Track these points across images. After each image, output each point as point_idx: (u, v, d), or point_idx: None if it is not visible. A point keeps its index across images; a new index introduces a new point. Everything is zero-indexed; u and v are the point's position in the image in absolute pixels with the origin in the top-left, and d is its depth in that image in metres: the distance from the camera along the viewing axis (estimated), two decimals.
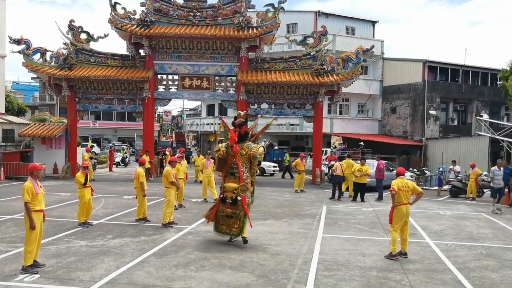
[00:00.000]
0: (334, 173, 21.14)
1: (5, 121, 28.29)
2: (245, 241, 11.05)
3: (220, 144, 11.82)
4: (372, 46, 27.45)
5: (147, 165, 23.80)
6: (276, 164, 35.46)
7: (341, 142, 37.47)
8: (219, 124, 12.63)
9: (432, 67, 40.88)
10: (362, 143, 36.50)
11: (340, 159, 23.45)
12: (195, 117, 63.37)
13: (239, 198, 10.92)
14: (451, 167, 25.24)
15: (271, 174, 34.13)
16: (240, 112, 11.76)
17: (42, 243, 9.24)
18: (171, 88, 28.19)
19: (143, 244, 11.04)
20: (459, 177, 24.52)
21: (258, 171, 12.49)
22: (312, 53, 27.45)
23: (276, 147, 40.20)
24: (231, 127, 11.72)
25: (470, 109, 42.38)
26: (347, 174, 20.94)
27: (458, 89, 41.75)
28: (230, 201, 10.99)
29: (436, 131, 40.08)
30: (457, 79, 42.25)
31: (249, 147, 11.07)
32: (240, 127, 11.21)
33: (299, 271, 9.10)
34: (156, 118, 46.68)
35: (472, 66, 42.99)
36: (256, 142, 11.84)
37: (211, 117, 51.19)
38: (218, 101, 35.85)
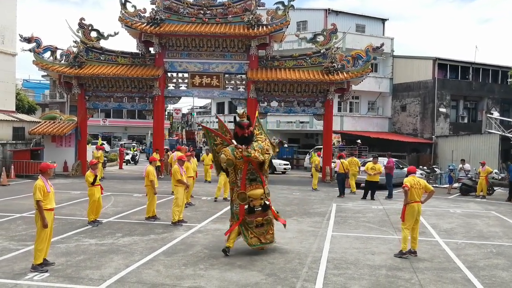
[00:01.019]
0: (337, 171, 21.46)
1: (16, 119, 28.45)
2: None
3: (225, 149, 10.29)
4: (382, 44, 27.35)
5: (158, 163, 23.98)
6: (287, 162, 35.17)
7: (339, 139, 37.30)
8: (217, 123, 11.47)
9: (442, 65, 40.62)
10: (359, 140, 36.56)
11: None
12: (205, 115, 63.39)
13: (267, 202, 10.33)
14: (461, 166, 25.09)
15: (283, 172, 33.82)
16: (240, 112, 10.77)
17: (52, 242, 9.29)
18: (181, 86, 28.23)
19: (152, 242, 11.07)
20: (469, 175, 24.38)
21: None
22: (322, 51, 27.36)
23: (285, 145, 40.15)
24: (230, 129, 11.17)
25: (481, 106, 42.07)
26: (352, 171, 21.69)
27: (468, 87, 41.46)
28: (260, 208, 10.18)
29: (446, 128, 39.85)
30: (467, 77, 41.96)
31: (260, 147, 10.19)
32: (248, 128, 10.28)
33: (308, 269, 9.09)
34: (166, 116, 46.78)
35: (483, 63, 42.66)
36: (255, 139, 10.60)
37: (221, 115, 51.19)
38: (228, 99, 35.85)
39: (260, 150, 10.07)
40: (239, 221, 10.12)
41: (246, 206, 10.13)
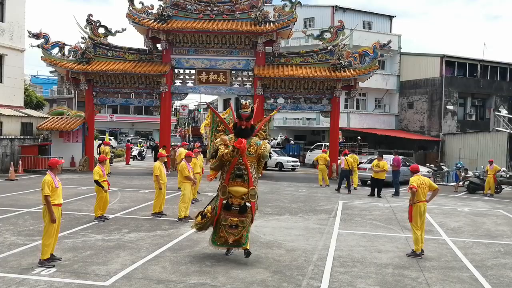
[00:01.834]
0: (342, 168, 21.69)
1: (24, 115, 28.57)
2: (247, 253, 9.37)
3: (219, 141, 9.60)
4: (389, 41, 27.28)
5: (165, 159, 24.14)
6: (297, 159, 34.61)
7: (340, 136, 37.20)
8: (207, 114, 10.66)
9: (450, 62, 40.42)
10: (359, 137, 36.53)
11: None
12: None
13: (248, 204, 9.22)
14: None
15: (292, 169, 33.11)
16: (245, 101, 9.70)
17: (59, 237, 9.33)
18: (188, 83, 28.25)
19: (158, 238, 11.09)
20: (476, 173, 24.24)
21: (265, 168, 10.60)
22: (329, 48, 27.31)
23: (292, 142, 40.11)
24: (227, 121, 10.57)
25: (489, 104, 41.84)
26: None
27: (476, 84, 41.24)
28: (238, 208, 9.16)
29: (454, 126, 39.68)
30: (475, 74, 41.73)
31: (257, 144, 9.36)
32: (247, 120, 9.43)
33: (314, 267, 9.08)
34: (173, 112, 46.78)
35: (491, 61, 42.39)
36: (262, 137, 10.16)
37: (226, 112, 51.11)
38: (235, 96, 35.77)
39: (255, 147, 9.31)
40: (216, 216, 9.36)
41: (224, 201, 9.29)
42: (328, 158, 24.35)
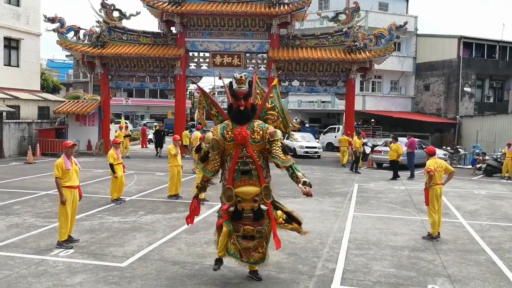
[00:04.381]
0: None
1: (41, 99, 28.81)
2: (258, 277, 7.46)
3: (210, 130, 7.56)
4: (406, 22, 26.89)
5: (185, 142, 24.51)
6: (316, 145, 30.07)
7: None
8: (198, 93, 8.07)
9: (467, 43, 39.82)
10: (373, 120, 36.27)
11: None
12: (226, 94, 63.52)
13: (263, 207, 7.06)
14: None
15: (318, 156, 29.42)
16: (239, 74, 7.29)
17: (76, 219, 9.45)
18: (202, 66, 28.20)
19: (174, 220, 11.17)
20: (494, 156, 23.98)
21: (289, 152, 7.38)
22: (344, 30, 27.03)
23: (307, 125, 39.97)
24: (226, 100, 8.76)
25: (507, 86, 41.24)
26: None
27: (494, 66, 40.61)
28: (252, 214, 7.01)
29: (471, 108, 39.22)
30: (493, 56, 41.08)
31: (261, 127, 7.12)
32: (245, 99, 7.15)
33: (329, 249, 9.09)
34: (187, 96, 46.81)
35: (510, 41, 41.64)
36: (274, 123, 7.54)
37: None
38: (249, 79, 35.79)
39: (260, 131, 7.07)
40: (221, 220, 7.26)
41: (231, 208, 7.10)
42: (350, 140, 24.71)
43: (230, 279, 7.43)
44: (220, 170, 7.44)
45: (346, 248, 9.20)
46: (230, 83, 7.29)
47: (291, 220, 7.54)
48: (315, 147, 29.64)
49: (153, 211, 12.25)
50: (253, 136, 7.01)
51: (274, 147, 6.92)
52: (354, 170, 22.22)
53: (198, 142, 7.91)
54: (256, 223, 7.03)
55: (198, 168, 8.26)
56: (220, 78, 8.99)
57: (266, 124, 7.23)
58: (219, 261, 7.35)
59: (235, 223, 7.06)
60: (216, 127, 7.24)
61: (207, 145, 7.23)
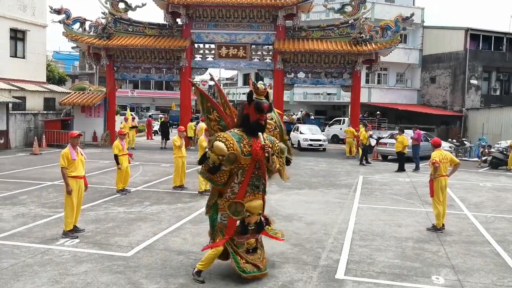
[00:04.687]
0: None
1: (47, 90, 28.87)
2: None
3: (225, 135, 6.71)
4: (412, 14, 26.74)
5: (190, 133, 24.78)
6: (321, 138, 29.30)
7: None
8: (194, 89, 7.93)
9: (474, 35, 39.49)
10: (378, 112, 36.17)
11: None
12: (232, 86, 63.30)
13: (262, 218, 7.24)
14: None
15: (323, 149, 28.79)
16: (259, 83, 6.91)
17: (81, 209, 9.50)
18: (208, 57, 28.17)
19: (179, 211, 11.21)
20: (500, 148, 23.91)
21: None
22: (350, 21, 26.91)
23: (312, 117, 39.89)
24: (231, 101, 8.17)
25: None
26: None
27: (501, 58, 40.30)
28: (254, 227, 6.99)
29: (477, 101, 38.99)
30: (501, 48, 40.75)
31: (270, 140, 6.96)
32: (267, 113, 6.98)
33: (334, 240, 9.11)
34: (192, 88, 46.64)
35: None
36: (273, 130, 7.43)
37: (248, 86, 50.93)
38: (255, 70, 35.54)
39: (270, 144, 6.82)
40: (226, 238, 6.86)
41: (238, 222, 6.94)
42: (356, 132, 24.84)
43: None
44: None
45: (350, 239, 9.21)
46: (250, 92, 6.87)
47: (267, 223, 7.47)
48: (320, 140, 28.98)
49: (158, 201, 12.30)
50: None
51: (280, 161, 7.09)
52: (364, 162, 22.13)
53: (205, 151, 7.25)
54: (256, 234, 7.08)
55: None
56: (211, 79, 7.90)
57: (273, 138, 7.11)
58: (199, 272, 6.92)
59: (239, 239, 6.89)
60: (229, 137, 6.66)
61: (220, 156, 6.57)
